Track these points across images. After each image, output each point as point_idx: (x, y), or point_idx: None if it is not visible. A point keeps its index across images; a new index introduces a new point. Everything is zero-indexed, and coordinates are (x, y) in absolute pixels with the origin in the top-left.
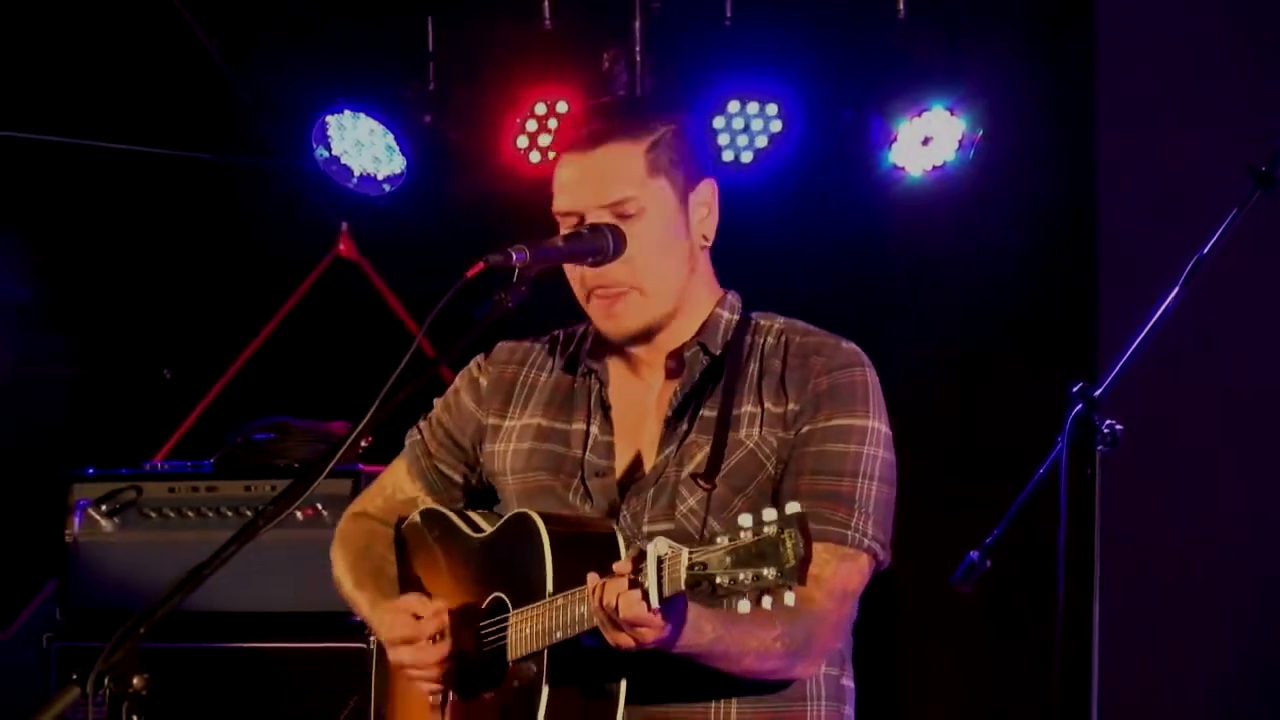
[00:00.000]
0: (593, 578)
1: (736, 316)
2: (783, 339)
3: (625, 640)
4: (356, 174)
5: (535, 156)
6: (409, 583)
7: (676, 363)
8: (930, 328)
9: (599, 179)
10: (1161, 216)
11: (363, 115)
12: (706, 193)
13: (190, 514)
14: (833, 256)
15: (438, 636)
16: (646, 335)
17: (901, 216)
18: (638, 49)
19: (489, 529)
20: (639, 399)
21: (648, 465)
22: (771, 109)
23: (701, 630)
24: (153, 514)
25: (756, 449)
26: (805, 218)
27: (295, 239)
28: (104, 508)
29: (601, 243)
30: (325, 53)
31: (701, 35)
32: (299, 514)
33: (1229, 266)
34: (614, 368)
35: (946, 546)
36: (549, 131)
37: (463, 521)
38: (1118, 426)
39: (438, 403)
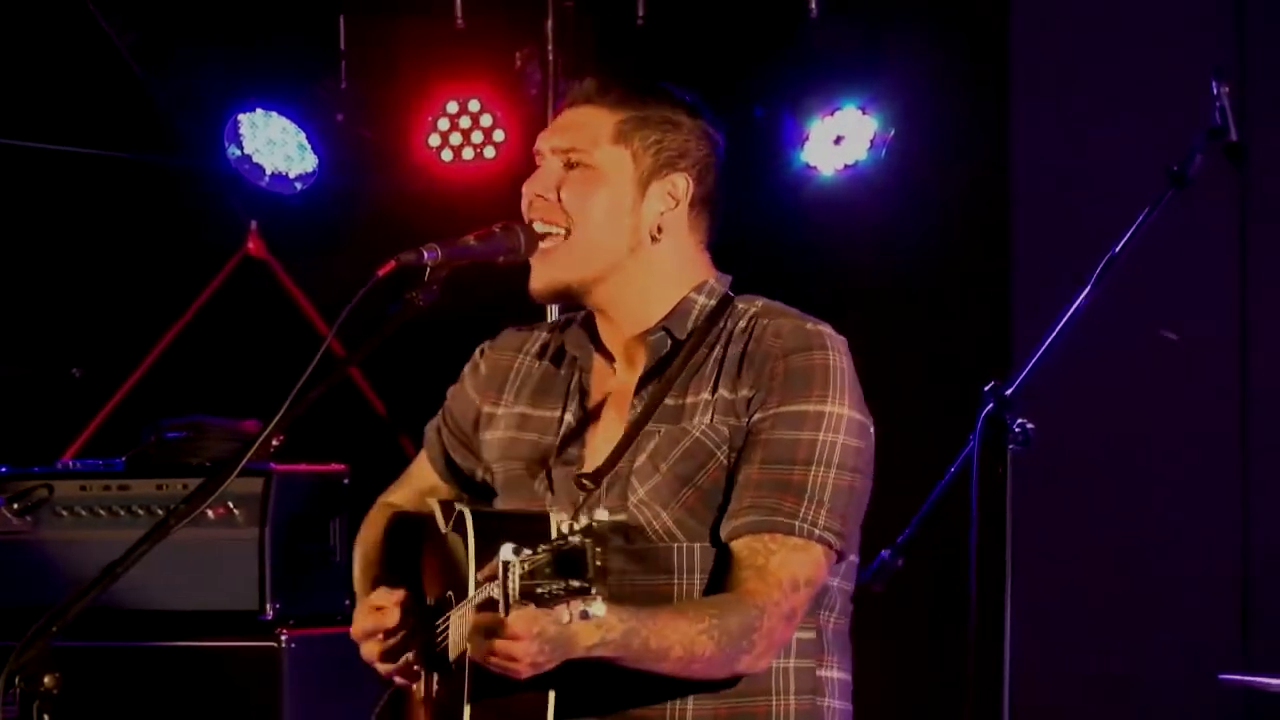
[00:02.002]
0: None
1: (713, 301)
2: (753, 322)
3: (493, 659)
4: (268, 172)
5: (448, 155)
6: (400, 578)
7: (643, 348)
8: (842, 327)
9: (565, 127)
10: (1075, 215)
11: (275, 113)
12: (676, 188)
13: (102, 512)
14: (743, 255)
15: (399, 630)
16: (568, 295)
17: (813, 216)
18: (550, 48)
19: (447, 525)
20: (611, 388)
21: (607, 454)
22: None
23: (606, 625)
24: (65, 512)
25: (704, 437)
26: None
27: (206, 237)
28: (15, 506)
29: (513, 242)
30: (237, 51)
31: (614, 35)
32: (211, 512)
33: (1142, 265)
34: (595, 355)
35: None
36: (461, 130)
37: (442, 512)
38: (1029, 425)
39: (449, 391)
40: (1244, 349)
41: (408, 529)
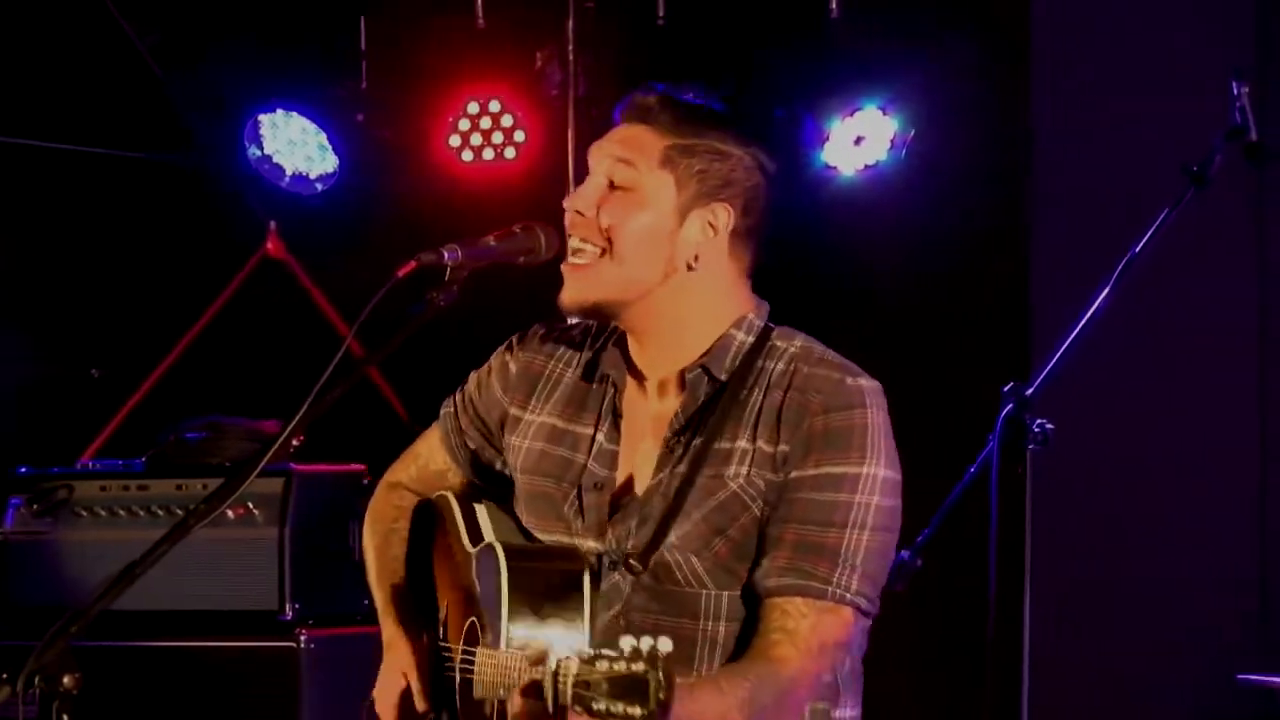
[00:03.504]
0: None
1: (752, 338)
2: (792, 366)
3: None
4: (289, 173)
5: (468, 155)
6: (415, 567)
7: (680, 384)
8: (862, 328)
9: (616, 143)
10: (1095, 216)
11: (295, 114)
12: (717, 218)
13: (122, 513)
14: (764, 257)
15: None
16: (596, 313)
17: (834, 216)
18: (571, 48)
19: (474, 546)
20: (643, 414)
21: (640, 487)
22: None
23: None
24: (84, 513)
25: (741, 491)
26: None
27: (226, 238)
28: (35, 506)
29: (534, 243)
30: (258, 51)
31: (635, 35)
32: (231, 512)
33: (1162, 265)
34: (628, 377)
35: None
36: (481, 131)
37: (465, 522)
38: (1049, 425)
39: (472, 377)
40: (1263, 349)
41: (421, 520)
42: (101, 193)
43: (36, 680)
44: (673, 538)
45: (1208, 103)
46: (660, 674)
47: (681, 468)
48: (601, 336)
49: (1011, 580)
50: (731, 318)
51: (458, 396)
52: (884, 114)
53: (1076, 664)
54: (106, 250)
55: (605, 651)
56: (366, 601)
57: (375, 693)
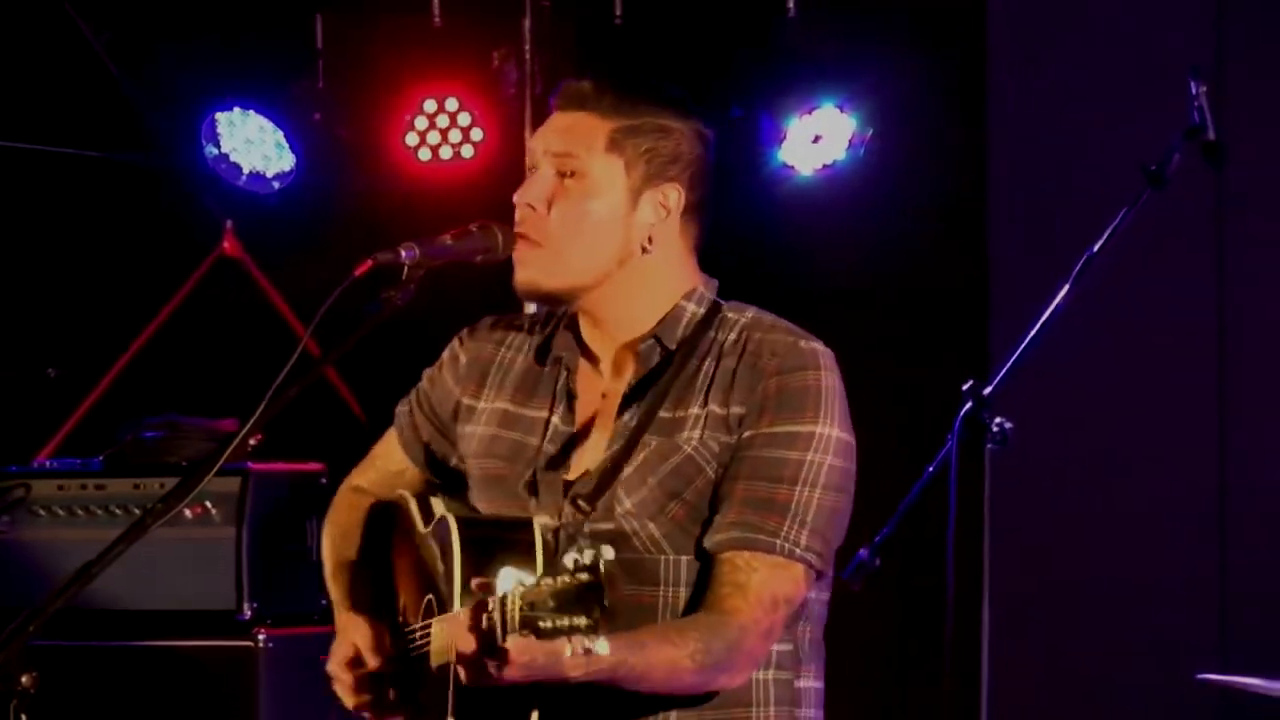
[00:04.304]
0: (447, 617)
1: (703, 310)
2: (744, 335)
3: (476, 676)
4: (246, 171)
5: (425, 154)
6: (373, 566)
7: (634, 358)
8: (820, 328)
9: (558, 132)
10: (1053, 215)
11: (252, 112)
12: (668, 198)
13: (79, 512)
14: (720, 255)
15: (370, 675)
16: (552, 300)
17: (791, 215)
18: (528, 47)
19: (426, 525)
20: (597, 392)
21: (594, 462)
22: None
23: (597, 658)
24: (42, 512)
25: (695, 454)
26: None
27: (182, 236)
28: None
29: (491, 241)
30: (214, 49)
31: (591, 34)
32: (188, 511)
33: (1120, 264)
34: (581, 358)
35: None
36: (438, 129)
37: (419, 510)
38: (1008, 424)
39: (425, 374)
40: (1221, 348)
41: (379, 520)
42: (57, 191)
43: None
44: (629, 504)
45: (1166, 102)
46: (603, 577)
47: (634, 435)
48: (551, 321)
49: (970, 580)
50: (681, 290)
51: (412, 395)
52: (842, 112)
53: (1036, 664)
54: (63, 249)
55: (548, 573)
56: (325, 601)
57: (329, 665)
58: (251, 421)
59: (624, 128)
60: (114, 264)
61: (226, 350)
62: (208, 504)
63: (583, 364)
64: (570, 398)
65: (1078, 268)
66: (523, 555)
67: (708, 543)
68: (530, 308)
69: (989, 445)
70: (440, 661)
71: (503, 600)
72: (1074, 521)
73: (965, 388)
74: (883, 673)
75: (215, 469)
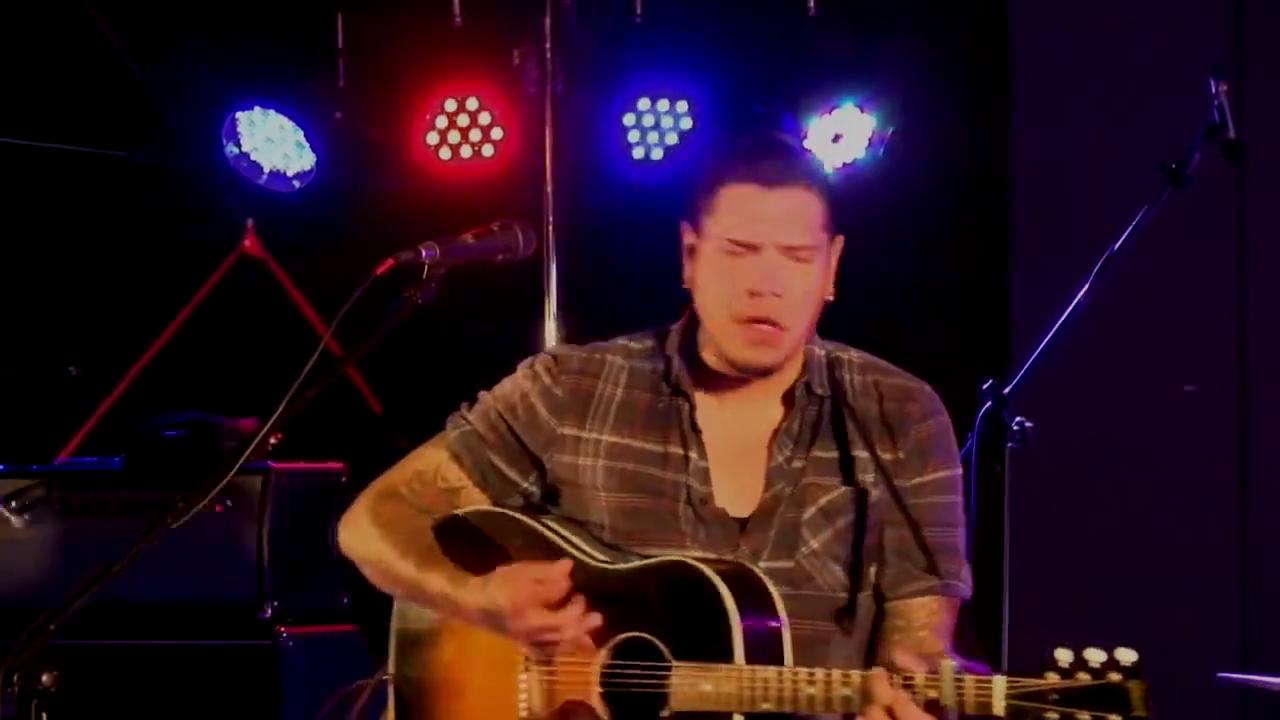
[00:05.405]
0: (880, 675)
1: (823, 352)
2: (869, 379)
3: None
4: (266, 170)
5: (446, 153)
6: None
7: (784, 399)
8: (840, 326)
9: (786, 219)
10: (1074, 213)
11: (273, 111)
12: (840, 248)
13: (101, 510)
14: None
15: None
16: (769, 372)
17: None
18: (548, 46)
19: (606, 558)
20: (733, 429)
21: (752, 500)
22: (682, 106)
23: None
24: (63, 510)
25: (874, 498)
26: None
27: (203, 235)
28: (13, 504)
29: (512, 240)
30: (235, 49)
31: (612, 32)
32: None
33: (1141, 263)
34: (700, 393)
35: None
36: (459, 128)
37: (559, 539)
38: (1028, 423)
39: (496, 398)
40: (1243, 346)
41: (469, 535)
42: (79, 190)
43: (15, 678)
44: (815, 545)
45: (1187, 101)
46: (1140, 684)
47: (811, 478)
48: (647, 353)
49: (990, 578)
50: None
51: (472, 415)
52: (862, 111)
53: None
54: (84, 248)
55: (1048, 674)
56: (346, 599)
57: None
58: (272, 420)
59: (830, 200)
60: (135, 263)
61: (247, 349)
62: (229, 502)
63: (704, 400)
64: (697, 432)
65: (1098, 266)
66: (768, 605)
67: (905, 587)
68: (549, 333)
69: (1009, 444)
70: (687, 709)
71: (958, 683)
72: (1094, 520)
73: (985, 386)
74: None
75: (236, 468)
